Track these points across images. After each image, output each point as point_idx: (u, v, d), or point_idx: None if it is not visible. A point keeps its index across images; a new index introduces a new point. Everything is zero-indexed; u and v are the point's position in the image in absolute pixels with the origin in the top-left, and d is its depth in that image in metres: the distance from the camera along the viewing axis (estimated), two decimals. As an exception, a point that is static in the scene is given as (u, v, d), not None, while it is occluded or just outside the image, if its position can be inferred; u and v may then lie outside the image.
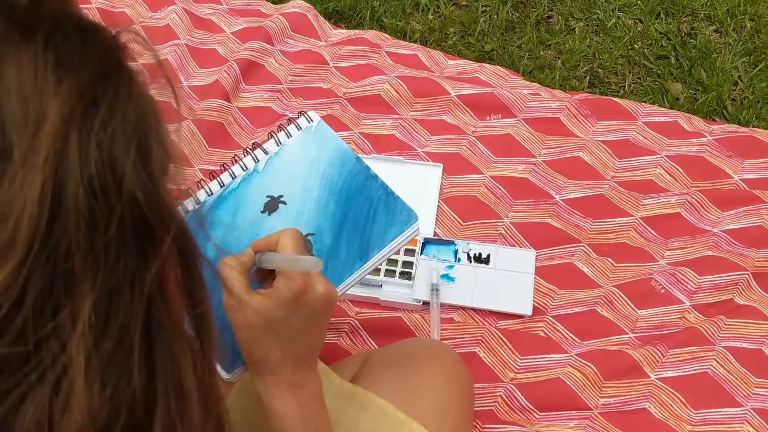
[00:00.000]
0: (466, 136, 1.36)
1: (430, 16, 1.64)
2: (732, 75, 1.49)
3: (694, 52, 1.53)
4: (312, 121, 0.87)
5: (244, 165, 0.86)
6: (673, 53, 1.54)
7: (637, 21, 1.60)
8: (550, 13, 1.64)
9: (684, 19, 1.59)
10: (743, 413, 1.05)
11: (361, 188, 0.84)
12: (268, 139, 0.87)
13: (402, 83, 1.43)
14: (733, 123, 1.42)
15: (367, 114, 1.41)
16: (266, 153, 0.86)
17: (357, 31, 1.57)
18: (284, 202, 0.83)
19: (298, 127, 0.87)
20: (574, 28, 1.60)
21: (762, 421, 1.04)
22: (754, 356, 1.10)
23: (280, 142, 0.86)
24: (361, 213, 0.83)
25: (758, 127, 1.40)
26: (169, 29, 1.56)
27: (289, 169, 0.85)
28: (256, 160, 0.85)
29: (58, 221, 0.35)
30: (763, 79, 1.48)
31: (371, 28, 1.62)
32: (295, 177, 0.84)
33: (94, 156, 0.36)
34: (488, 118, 1.39)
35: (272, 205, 0.83)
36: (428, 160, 1.33)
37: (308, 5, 1.60)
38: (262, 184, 0.85)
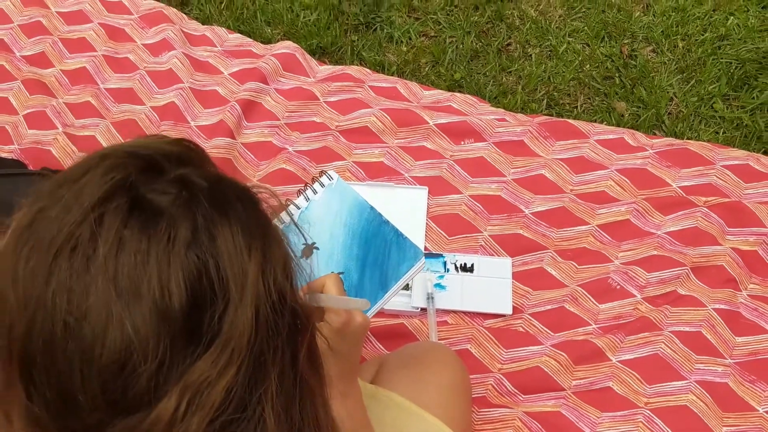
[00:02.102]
0: (445, 160, 1.57)
1: (404, 48, 1.83)
2: (668, 92, 1.71)
3: (635, 71, 1.75)
4: (332, 179, 1.08)
5: (281, 219, 1.06)
6: (617, 74, 1.75)
7: (584, 45, 1.81)
8: (509, 41, 1.84)
9: (625, 42, 1.81)
10: (687, 385, 1.28)
11: (376, 232, 1.05)
12: (298, 196, 1.08)
13: (386, 115, 1.63)
14: (671, 136, 1.63)
15: (357, 144, 1.61)
16: (298, 208, 1.06)
17: (341, 67, 1.76)
18: (317, 248, 1.04)
19: (322, 185, 1.08)
20: (530, 55, 1.80)
21: (702, 390, 1.27)
22: (694, 338, 1.32)
23: (309, 198, 1.07)
24: (379, 252, 1.04)
25: (691, 138, 1.63)
26: (172, 73, 1.74)
27: (317, 220, 1.05)
28: (290, 215, 1.06)
29: (258, 333, 0.56)
30: (694, 94, 1.70)
31: (352, 62, 1.81)
32: (324, 226, 1.05)
33: (272, 288, 0.57)
34: (462, 142, 1.60)
35: (308, 251, 1.04)
36: (415, 184, 1.54)
37: (295, 45, 1.78)
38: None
